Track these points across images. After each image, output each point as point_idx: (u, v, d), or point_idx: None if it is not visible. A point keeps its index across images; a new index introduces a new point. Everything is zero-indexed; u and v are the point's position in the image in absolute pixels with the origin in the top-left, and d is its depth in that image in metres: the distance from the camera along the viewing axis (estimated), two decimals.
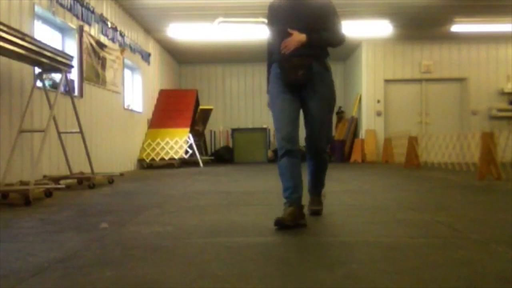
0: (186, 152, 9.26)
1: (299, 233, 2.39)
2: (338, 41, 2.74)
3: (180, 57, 12.20)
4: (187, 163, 9.91)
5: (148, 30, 9.54)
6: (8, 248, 2.09)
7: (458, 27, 9.36)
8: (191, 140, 9.46)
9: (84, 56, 6.36)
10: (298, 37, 2.56)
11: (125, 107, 8.31)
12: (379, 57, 10.89)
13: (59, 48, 5.79)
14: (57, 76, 5.37)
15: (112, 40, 7.51)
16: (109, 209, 3.31)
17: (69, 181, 5.31)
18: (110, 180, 5.57)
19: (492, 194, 4.21)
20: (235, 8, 7.94)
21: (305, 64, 2.57)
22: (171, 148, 9.14)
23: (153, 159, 9.04)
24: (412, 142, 8.39)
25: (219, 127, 12.80)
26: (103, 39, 7.11)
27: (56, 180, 4.83)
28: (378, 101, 10.86)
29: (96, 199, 3.99)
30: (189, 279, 1.58)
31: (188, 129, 9.43)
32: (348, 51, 11.72)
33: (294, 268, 1.70)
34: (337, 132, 12.10)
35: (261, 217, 2.93)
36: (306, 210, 2.66)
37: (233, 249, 2.04)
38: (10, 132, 4.48)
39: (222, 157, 11.70)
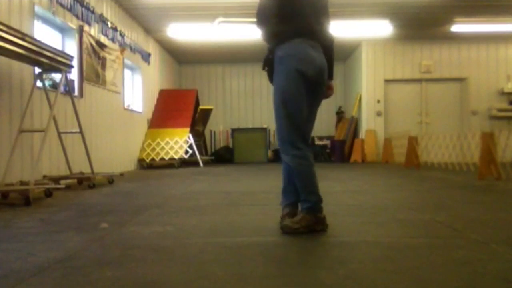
0: (186, 152, 9.25)
1: (298, 233, 2.39)
2: (333, 52, 2.63)
3: (180, 57, 12.20)
4: (187, 163, 9.91)
5: (148, 30, 9.54)
6: (8, 248, 2.08)
7: (458, 27, 9.37)
8: (191, 140, 9.46)
9: (84, 56, 6.36)
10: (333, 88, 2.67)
11: (125, 107, 8.31)
12: (379, 57, 10.90)
13: (59, 48, 5.79)
14: (57, 76, 5.38)
15: (112, 40, 7.51)
16: (109, 209, 3.31)
17: (69, 181, 5.31)
18: (110, 180, 5.57)
19: (492, 194, 4.21)
20: (235, 8, 7.94)
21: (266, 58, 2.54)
22: (171, 148, 9.14)
23: (153, 159, 9.03)
24: (412, 142, 8.39)
25: (219, 127, 12.80)
26: (103, 39, 7.11)
27: (56, 180, 4.84)
28: (378, 101, 10.86)
29: (96, 199, 3.99)
30: (189, 279, 1.58)
31: (188, 129, 9.43)
32: (348, 51, 11.72)
33: (294, 268, 1.70)
34: (337, 132, 12.10)
35: (261, 217, 2.93)
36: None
37: (233, 249, 2.04)
38: (10, 132, 4.49)
39: (222, 157, 11.70)
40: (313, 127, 2.60)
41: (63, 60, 4.58)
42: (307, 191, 2.41)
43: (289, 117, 2.39)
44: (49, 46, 4.35)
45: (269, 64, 2.51)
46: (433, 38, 10.48)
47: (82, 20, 6.30)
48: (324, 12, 2.59)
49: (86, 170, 5.59)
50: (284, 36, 2.42)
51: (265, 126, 11.91)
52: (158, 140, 9.22)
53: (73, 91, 5.91)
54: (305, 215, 2.37)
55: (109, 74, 7.33)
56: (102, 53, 7.02)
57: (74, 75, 6.09)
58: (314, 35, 2.44)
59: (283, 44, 2.42)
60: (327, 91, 2.63)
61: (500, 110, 10.64)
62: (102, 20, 7.05)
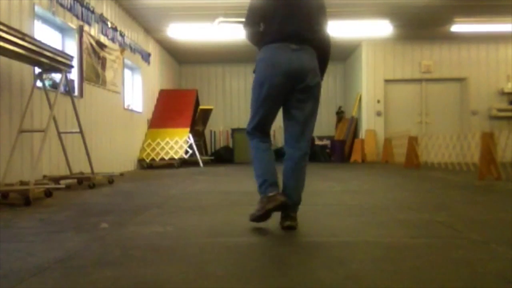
0: (186, 152, 9.26)
1: (299, 233, 2.39)
2: (329, 53, 2.70)
3: (180, 57, 12.20)
4: (187, 163, 9.91)
5: (148, 30, 9.54)
6: (8, 248, 2.08)
7: (458, 27, 9.37)
8: (191, 140, 9.46)
9: (84, 56, 6.36)
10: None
11: (125, 107, 8.31)
12: (379, 57, 10.90)
13: (59, 48, 5.79)
14: (57, 76, 5.38)
15: (112, 40, 7.51)
16: (109, 209, 3.31)
17: (69, 181, 5.31)
18: (110, 180, 5.57)
19: (492, 194, 4.21)
20: (235, 8, 7.94)
21: None
22: (171, 148, 9.14)
23: (153, 159, 9.03)
24: (412, 142, 8.39)
25: (219, 127, 12.80)
26: (103, 39, 7.11)
27: (56, 180, 4.84)
28: (378, 101, 10.86)
29: (96, 199, 3.99)
30: (189, 279, 1.58)
31: (188, 129, 9.43)
32: (348, 51, 11.72)
33: (294, 268, 1.70)
34: (337, 132, 12.11)
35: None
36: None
37: (233, 249, 2.04)
38: (10, 132, 4.49)
39: (222, 157, 11.70)
40: (311, 127, 2.59)
41: (63, 60, 4.58)
42: (255, 174, 2.56)
43: (251, 115, 2.62)
44: (49, 46, 4.35)
45: None
46: (433, 38, 10.48)
47: (82, 20, 6.30)
48: (321, 13, 2.61)
49: (86, 170, 5.59)
50: (265, 40, 2.55)
51: None
52: (158, 140, 9.22)
53: (73, 91, 5.91)
54: (259, 199, 2.51)
55: (109, 74, 7.33)
56: (102, 53, 7.02)
57: (74, 75, 6.09)
58: (300, 38, 2.49)
59: (262, 48, 2.57)
60: None
61: (500, 110, 10.64)
62: (102, 20, 7.05)
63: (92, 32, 6.69)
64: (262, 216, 2.45)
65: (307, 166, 2.60)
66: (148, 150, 9.11)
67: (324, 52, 2.64)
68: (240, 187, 4.99)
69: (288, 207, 2.47)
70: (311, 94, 2.54)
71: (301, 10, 2.52)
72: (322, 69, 2.68)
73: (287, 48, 2.47)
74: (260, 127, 2.60)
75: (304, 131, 2.56)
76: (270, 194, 2.42)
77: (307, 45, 2.51)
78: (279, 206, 2.41)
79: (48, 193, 4.09)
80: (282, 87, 2.48)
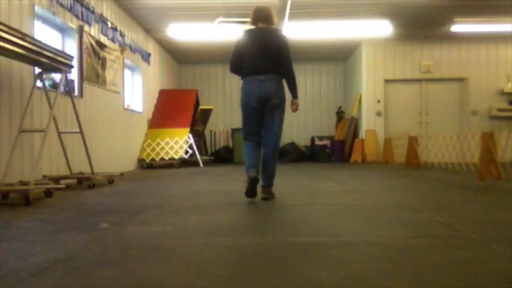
0: (186, 152, 9.26)
1: (299, 233, 2.39)
2: (292, 78, 3.79)
3: (180, 57, 12.20)
4: (187, 163, 9.91)
5: (148, 30, 9.54)
6: (8, 248, 2.09)
7: (458, 27, 9.37)
8: (191, 140, 9.47)
9: (84, 56, 6.36)
10: (297, 104, 3.93)
11: (125, 107, 8.31)
12: (379, 57, 10.90)
13: (59, 48, 5.80)
14: (57, 76, 5.38)
15: (112, 40, 7.51)
16: (109, 209, 3.31)
17: (69, 181, 5.31)
18: (110, 180, 5.57)
19: (492, 194, 4.21)
20: (235, 8, 7.94)
21: None
22: (171, 148, 9.14)
23: (153, 159, 9.04)
24: (412, 142, 8.39)
25: (219, 127, 12.80)
26: (103, 39, 7.11)
27: (56, 180, 4.83)
28: (378, 101, 10.87)
29: (96, 199, 3.99)
30: (189, 279, 1.58)
31: (188, 129, 9.43)
32: (348, 51, 11.73)
33: (294, 268, 1.70)
34: (337, 132, 12.10)
35: (261, 217, 2.93)
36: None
37: (233, 249, 2.04)
38: (10, 132, 4.49)
39: (222, 157, 11.70)
40: (278, 131, 3.78)
41: (63, 60, 4.58)
42: (244, 161, 3.74)
43: (242, 126, 3.88)
44: (49, 46, 4.35)
45: None
46: (433, 38, 10.48)
47: (82, 20, 6.31)
48: (282, 52, 3.68)
49: (86, 170, 5.59)
50: (243, 74, 3.76)
51: None
52: (158, 140, 9.22)
53: (73, 91, 5.91)
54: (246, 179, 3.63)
55: (109, 74, 7.33)
56: (102, 53, 7.02)
57: (74, 75, 6.09)
58: (265, 71, 3.63)
59: (243, 80, 3.77)
60: (291, 106, 3.87)
61: (500, 110, 10.65)
62: (102, 20, 7.05)
63: (92, 32, 6.70)
64: (248, 191, 3.59)
65: (277, 157, 3.78)
66: (148, 150, 9.11)
67: (289, 78, 3.76)
68: (240, 187, 4.98)
69: (266, 187, 3.76)
70: (277, 109, 3.69)
71: (266, 53, 3.66)
72: (293, 89, 3.82)
73: (256, 79, 3.63)
74: (249, 132, 3.78)
75: (274, 135, 3.74)
76: (250, 175, 3.55)
77: (273, 74, 3.64)
78: (252, 180, 3.54)
79: (48, 193, 4.09)
80: (255, 106, 3.68)
